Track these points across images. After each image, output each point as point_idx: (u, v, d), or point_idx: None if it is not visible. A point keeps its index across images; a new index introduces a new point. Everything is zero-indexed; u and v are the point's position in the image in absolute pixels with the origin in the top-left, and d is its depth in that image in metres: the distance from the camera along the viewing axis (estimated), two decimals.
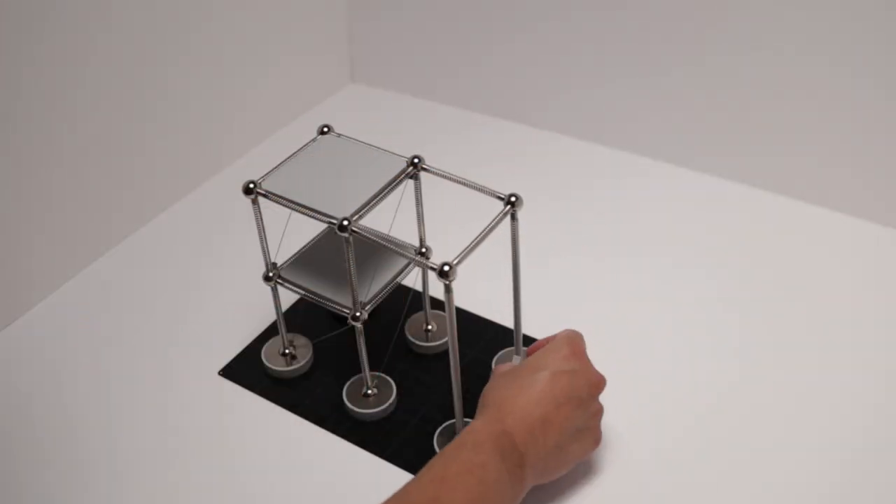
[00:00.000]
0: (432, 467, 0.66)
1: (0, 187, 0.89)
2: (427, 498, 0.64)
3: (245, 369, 0.87)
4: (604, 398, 0.83)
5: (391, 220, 0.80)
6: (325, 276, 0.80)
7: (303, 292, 0.80)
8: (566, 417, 0.70)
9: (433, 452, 0.78)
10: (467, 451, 0.66)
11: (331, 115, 1.21)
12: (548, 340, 0.76)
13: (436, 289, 0.89)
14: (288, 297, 0.93)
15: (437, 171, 0.76)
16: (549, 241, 1.00)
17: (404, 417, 0.82)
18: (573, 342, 0.73)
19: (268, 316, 0.91)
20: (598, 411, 0.74)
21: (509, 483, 0.67)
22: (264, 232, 0.79)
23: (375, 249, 0.81)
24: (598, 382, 0.73)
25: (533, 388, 0.70)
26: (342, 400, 0.83)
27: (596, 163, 1.12)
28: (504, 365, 0.76)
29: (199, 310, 0.94)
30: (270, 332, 0.91)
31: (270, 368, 0.86)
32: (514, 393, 0.70)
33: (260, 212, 0.77)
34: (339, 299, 0.78)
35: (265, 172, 0.77)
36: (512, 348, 0.84)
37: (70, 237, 0.98)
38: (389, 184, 0.75)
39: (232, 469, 0.79)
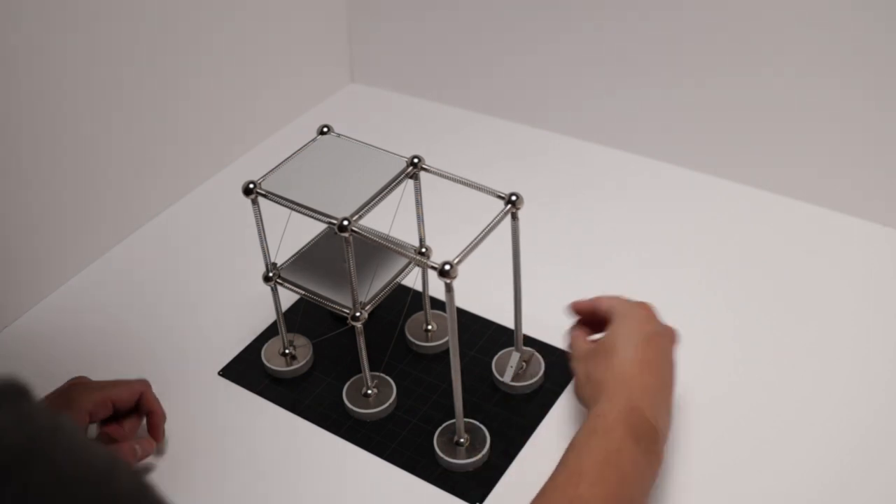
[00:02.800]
0: (566, 463, 0.65)
1: (0, 187, 0.89)
2: (568, 498, 0.62)
3: (245, 369, 0.87)
4: None
5: (391, 220, 0.80)
6: (325, 276, 0.80)
7: (303, 292, 0.80)
8: (670, 376, 0.73)
9: (433, 452, 0.78)
10: (598, 438, 0.66)
11: (331, 115, 1.21)
12: (581, 308, 0.79)
13: (436, 289, 0.89)
14: (288, 297, 0.93)
15: (437, 171, 0.76)
16: (549, 240, 1.00)
17: (404, 417, 0.82)
18: (643, 305, 0.76)
19: (268, 316, 0.91)
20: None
21: (647, 465, 0.67)
22: (264, 232, 0.79)
23: (375, 249, 0.81)
24: (675, 334, 0.76)
25: (638, 357, 0.71)
26: (342, 400, 0.83)
27: (596, 163, 1.12)
28: (581, 343, 0.77)
29: (199, 310, 0.94)
30: (270, 332, 0.91)
31: (270, 368, 0.86)
32: (624, 367, 0.70)
33: (260, 212, 0.77)
34: (339, 299, 0.78)
35: (265, 172, 0.77)
36: (512, 348, 0.84)
37: (70, 237, 0.98)
38: (389, 184, 0.75)
39: (232, 469, 0.79)
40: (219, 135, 1.13)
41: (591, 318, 0.79)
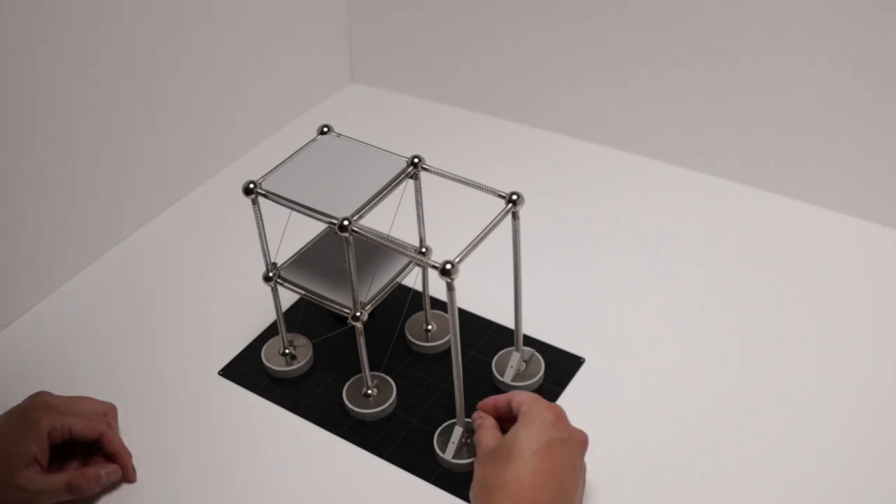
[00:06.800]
0: None
1: (0, 187, 0.89)
2: None
3: (245, 369, 0.87)
4: (604, 399, 0.83)
5: (391, 220, 0.80)
6: (325, 276, 0.80)
7: (303, 292, 0.80)
8: (571, 487, 0.68)
9: (433, 452, 0.78)
10: None
11: (331, 115, 1.21)
12: (499, 401, 0.74)
13: (436, 289, 0.89)
14: (288, 297, 0.93)
15: (437, 171, 0.76)
16: (548, 240, 1.00)
17: (404, 417, 0.82)
18: (553, 407, 0.71)
19: (268, 316, 0.91)
20: (585, 468, 0.71)
21: None
22: (264, 232, 0.79)
23: (375, 249, 0.81)
24: (585, 441, 0.71)
25: (533, 466, 0.66)
26: (342, 400, 0.83)
27: (596, 162, 1.12)
28: (489, 439, 0.72)
29: (199, 310, 0.94)
30: (270, 332, 0.91)
31: (270, 368, 0.86)
32: (515, 476, 0.66)
33: (260, 212, 0.77)
34: (339, 299, 0.78)
35: (265, 172, 0.77)
36: (512, 348, 0.84)
37: (70, 237, 0.98)
38: (389, 184, 0.75)
39: (232, 469, 0.79)
40: (219, 135, 1.13)
41: (503, 415, 0.74)
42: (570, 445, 0.69)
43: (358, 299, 0.76)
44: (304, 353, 0.87)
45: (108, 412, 0.79)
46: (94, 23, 0.92)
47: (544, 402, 0.72)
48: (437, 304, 0.90)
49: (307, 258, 0.82)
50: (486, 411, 0.75)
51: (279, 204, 0.75)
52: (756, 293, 0.92)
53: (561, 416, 0.71)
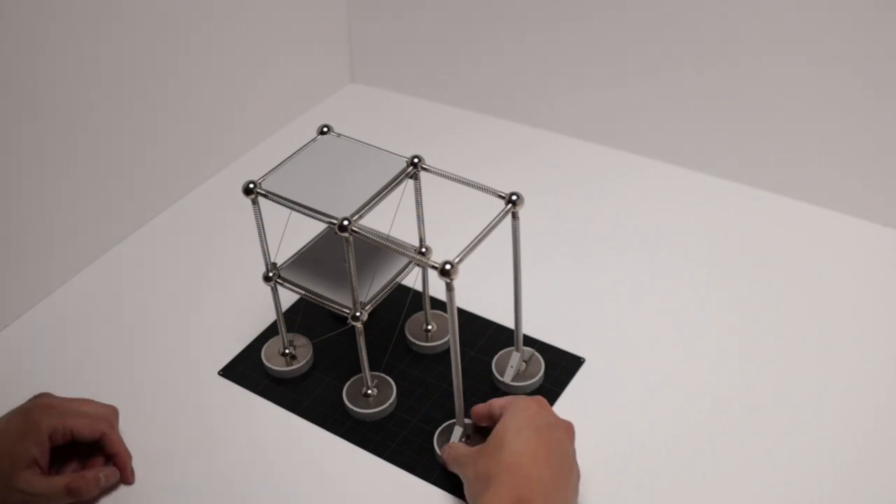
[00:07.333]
0: None
1: (0, 187, 0.89)
2: None
3: (245, 369, 0.87)
4: (604, 399, 0.84)
5: (391, 220, 0.80)
6: (325, 276, 0.80)
7: (303, 292, 0.80)
8: (567, 471, 0.69)
9: (433, 452, 0.78)
10: None
11: (331, 115, 1.21)
12: (479, 408, 0.76)
13: (436, 289, 0.89)
14: (288, 297, 0.93)
15: (437, 171, 0.76)
16: (548, 241, 1.00)
17: (404, 417, 0.82)
18: (537, 399, 0.72)
19: (268, 316, 0.91)
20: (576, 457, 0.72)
21: None
22: (264, 232, 0.79)
23: (375, 249, 0.81)
24: (571, 428, 0.72)
25: (528, 448, 0.67)
26: (342, 400, 0.83)
27: (596, 163, 1.12)
28: (461, 448, 0.74)
29: (199, 310, 0.94)
30: (270, 332, 0.91)
31: (270, 368, 0.86)
32: (513, 459, 0.67)
33: (260, 212, 0.77)
34: (339, 299, 0.78)
35: (265, 172, 0.77)
36: (512, 348, 0.84)
37: (70, 237, 0.98)
38: (389, 184, 0.75)
39: (232, 469, 0.79)
40: (219, 135, 1.13)
41: (490, 421, 0.75)
42: (558, 431, 0.70)
43: (358, 299, 0.76)
44: (304, 353, 0.87)
45: (109, 414, 0.79)
46: (94, 23, 0.92)
47: (524, 396, 0.74)
48: (437, 304, 0.90)
49: (307, 258, 0.82)
50: (475, 416, 0.76)
51: (279, 204, 0.75)
52: (756, 293, 0.92)
53: (543, 405, 0.72)
